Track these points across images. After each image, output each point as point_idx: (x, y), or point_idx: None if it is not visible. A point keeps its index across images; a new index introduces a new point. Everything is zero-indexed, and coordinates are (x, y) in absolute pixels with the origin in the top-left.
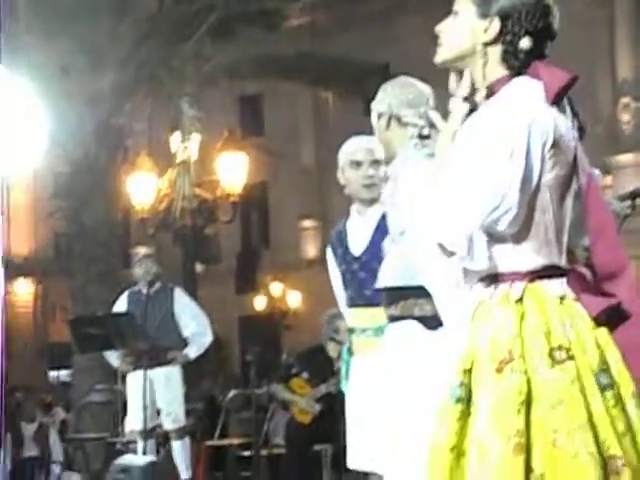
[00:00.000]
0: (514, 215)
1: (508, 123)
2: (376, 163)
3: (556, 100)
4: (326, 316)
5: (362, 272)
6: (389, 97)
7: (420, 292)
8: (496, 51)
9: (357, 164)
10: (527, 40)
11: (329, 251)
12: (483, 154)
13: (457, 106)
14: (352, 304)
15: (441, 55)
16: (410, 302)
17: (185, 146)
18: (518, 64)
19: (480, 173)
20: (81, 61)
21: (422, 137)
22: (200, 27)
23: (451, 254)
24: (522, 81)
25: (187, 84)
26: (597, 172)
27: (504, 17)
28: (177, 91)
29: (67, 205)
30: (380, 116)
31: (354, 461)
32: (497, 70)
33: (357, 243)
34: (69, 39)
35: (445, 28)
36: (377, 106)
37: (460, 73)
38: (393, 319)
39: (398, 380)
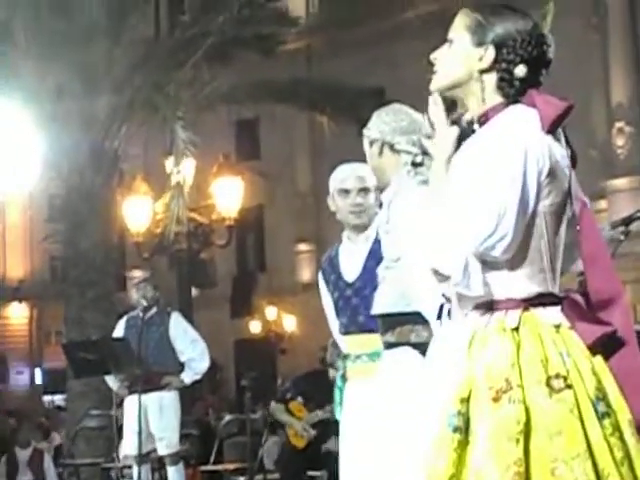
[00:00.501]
0: (509, 241)
1: (505, 150)
2: (364, 191)
3: (552, 129)
4: (331, 340)
5: (355, 298)
6: (382, 124)
7: (417, 318)
8: (492, 79)
9: (345, 192)
10: (522, 68)
11: (320, 277)
12: (479, 180)
13: (447, 131)
14: (346, 331)
15: (436, 83)
16: (406, 328)
17: (178, 170)
18: (513, 92)
19: (476, 199)
20: (76, 85)
21: (415, 165)
22: (196, 52)
23: (444, 279)
24: (517, 109)
25: (182, 108)
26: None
27: (499, 45)
28: (172, 115)
29: (62, 229)
30: (372, 143)
31: None
32: (493, 98)
33: (350, 269)
34: (65, 64)
35: (440, 56)
36: (369, 133)
37: (452, 101)
38: (389, 346)
39: (394, 407)
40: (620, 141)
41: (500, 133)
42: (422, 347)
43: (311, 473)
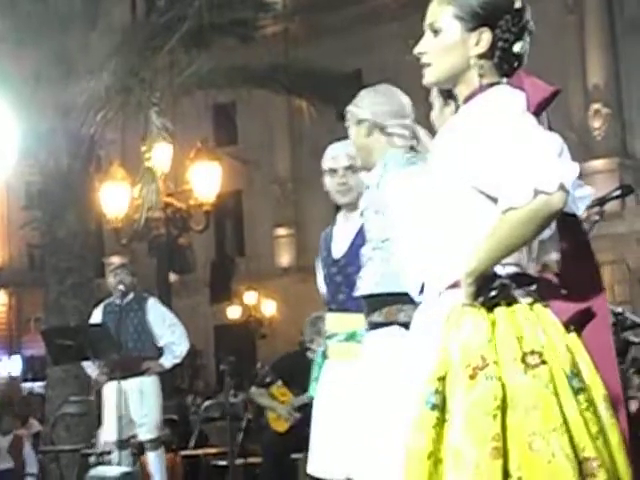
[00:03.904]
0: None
1: (508, 110)
2: (351, 169)
3: (537, 111)
4: (310, 318)
5: (339, 276)
6: (373, 105)
7: (405, 299)
8: (489, 61)
9: (333, 171)
10: (520, 44)
11: (318, 256)
12: (503, 144)
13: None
14: (328, 308)
15: (432, 76)
16: (395, 308)
17: (150, 155)
18: (510, 70)
19: (521, 155)
20: (53, 71)
21: (410, 149)
22: (172, 37)
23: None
24: (504, 89)
25: (157, 94)
26: (592, 191)
27: (493, 26)
28: (146, 101)
29: (40, 216)
30: (360, 122)
31: (315, 467)
32: (491, 80)
33: (338, 247)
34: (41, 49)
35: (429, 48)
36: (359, 112)
37: (447, 92)
38: (375, 326)
39: (377, 386)
40: (597, 123)
41: (490, 108)
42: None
43: (294, 456)
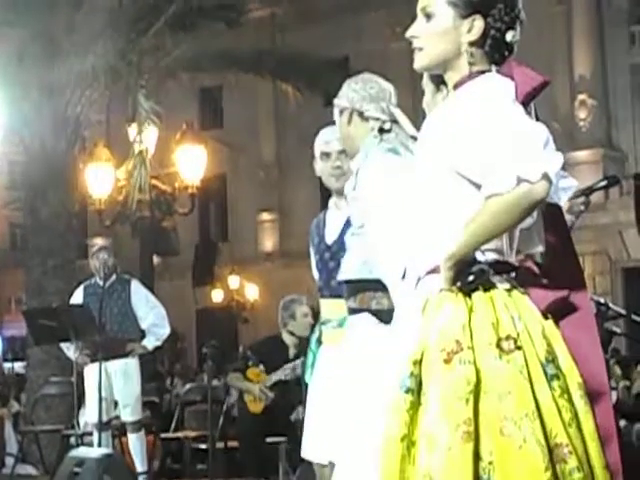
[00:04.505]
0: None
1: (493, 98)
2: (343, 153)
3: (525, 101)
4: (283, 301)
5: (332, 262)
6: (351, 92)
7: (378, 285)
8: (480, 49)
9: (327, 155)
10: (512, 32)
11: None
12: (490, 129)
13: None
14: (321, 294)
15: (423, 61)
16: (368, 295)
17: (140, 139)
18: (500, 59)
19: (509, 139)
20: (38, 51)
21: (383, 131)
22: (159, 20)
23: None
24: (493, 77)
25: (144, 76)
26: (575, 183)
27: (486, 14)
28: (134, 83)
29: (23, 196)
30: (342, 111)
31: (309, 452)
32: (482, 68)
33: (331, 233)
34: (25, 28)
35: (421, 33)
36: (339, 101)
37: (438, 78)
38: (352, 312)
39: (353, 372)
40: (582, 113)
41: (478, 96)
42: (382, 314)
43: (271, 440)
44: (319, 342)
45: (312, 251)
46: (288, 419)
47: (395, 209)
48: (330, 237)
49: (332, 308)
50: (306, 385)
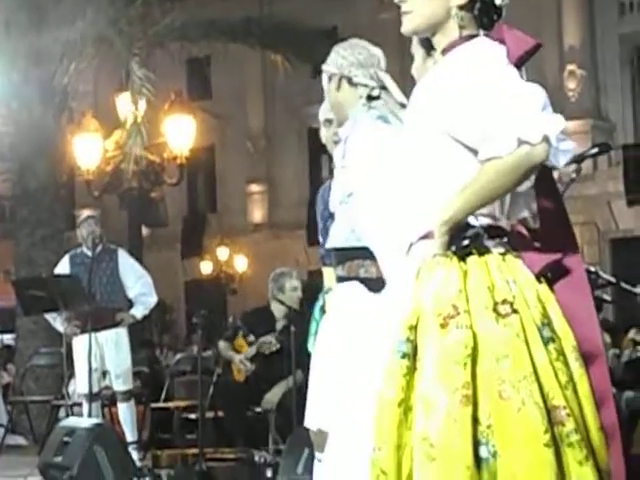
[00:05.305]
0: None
1: (486, 60)
2: None
3: (518, 64)
4: (273, 274)
5: None
6: (339, 58)
7: (366, 253)
8: (469, 13)
9: (329, 122)
10: None
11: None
12: (485, 93)
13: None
14: (323, 263)
15: (411, 24)
16: (356, 263)
17: (136, 107)
18: (489, 23)
19: (506, 100)
20: (23, 19)
21: (371, 98)
22: None
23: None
24: (483, 41)
25: (137, 44)
26: (574, 145)
27: None
28: (126, 52)
29: (11, 167)
30: (331, 78)
31: (310, 420)
32: (471, 32)
33: (333, 201)
34: None
35: None
36: (328, 68)
37: (428, 42)
38: (340, 279)
39: (342, 340)
40: (571, 84)
41: (470, 60)
42: (369, 283)
43: (259, 409)
44: (323, 310)
45: (318, 218)
46: (269, 389)
47: (385, 177)
48: (333, 204)
49: (334, 276)
50: (309, 353)
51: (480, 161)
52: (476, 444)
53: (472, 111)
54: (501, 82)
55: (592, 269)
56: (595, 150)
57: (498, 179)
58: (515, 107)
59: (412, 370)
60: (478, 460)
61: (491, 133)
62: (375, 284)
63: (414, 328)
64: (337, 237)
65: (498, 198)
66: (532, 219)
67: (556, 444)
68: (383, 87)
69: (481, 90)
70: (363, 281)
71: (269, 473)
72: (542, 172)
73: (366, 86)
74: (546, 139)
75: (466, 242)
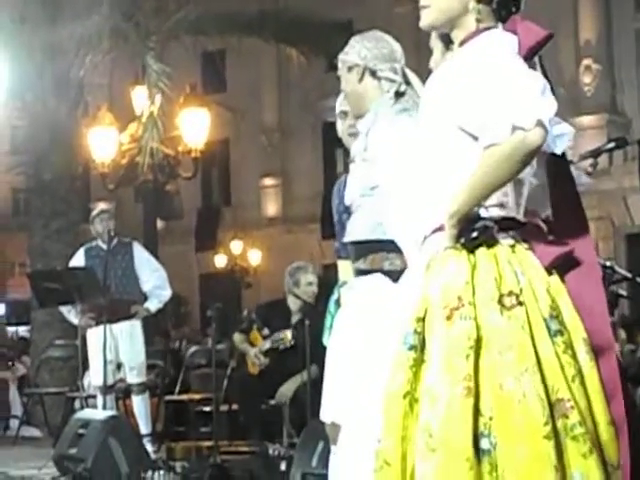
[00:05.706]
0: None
1: (496, 53)
2: None
3: (528, 55)
4: (289, 268)
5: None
6: (363, 50)
7: (391, 246)
8: (487, 7)
9: (344, 114)
10: None
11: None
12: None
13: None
14: (339, 256)
15: (429, 18)
16: (380, 256)
17: (152, 101)
18: (508, 16)
19: (508, 91)
20: (39, 12)
21: (399, 94)
22: None
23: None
24: (496, 33)
25: (152, 38)
26: (571, 129)
27: None
28: (142, 45)
29: (26, 159)
30: (352, 68)
31: (325, 413)
32: (488, 25)
33: (350, 194)
34: None
35: None
36: (349, 58)
37: (447, 36)
38: (361, 273)
39: (363, 332)
40: (587, 78)
41: (479, 51)
42: (394, 275)
43: (274, 402)
44: (338, 304)
45: (333, 212)
46: (282, 383)
47: (408, 171)
48: (349, 198)
49: (350, 269)
50: (324, 347)
51: (481, 148)
52: (478, 436)
53: (473, 100)
54: (500, 70)
55: (607, 264)
56: (612, 144)
57: (497, 166)
58: (510, 94)
59: (419, 362)
60: (479, 452)
61: (489, 121)
62: (399, 276)
63: (422, 320)
64: (357, 230)
65: (501, 186)
66: (549, 212)
67: (557, 436)
68: (408, 82)
69: (481, 79)
70: (387, 274)
71: (283, 466)
72: (558, 164)
73: (392, 81)
74: (540, 123)
75: (475, 234)
